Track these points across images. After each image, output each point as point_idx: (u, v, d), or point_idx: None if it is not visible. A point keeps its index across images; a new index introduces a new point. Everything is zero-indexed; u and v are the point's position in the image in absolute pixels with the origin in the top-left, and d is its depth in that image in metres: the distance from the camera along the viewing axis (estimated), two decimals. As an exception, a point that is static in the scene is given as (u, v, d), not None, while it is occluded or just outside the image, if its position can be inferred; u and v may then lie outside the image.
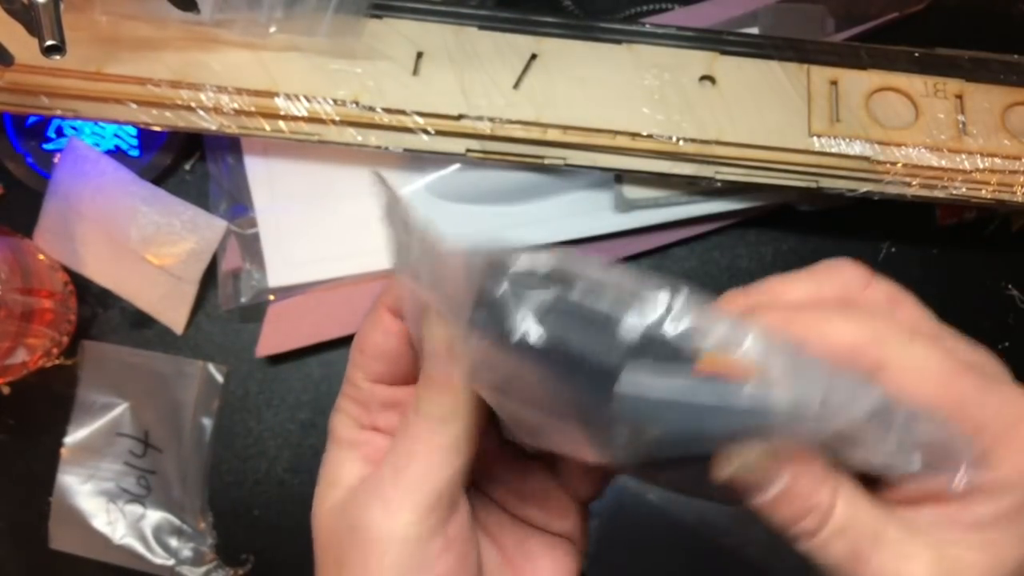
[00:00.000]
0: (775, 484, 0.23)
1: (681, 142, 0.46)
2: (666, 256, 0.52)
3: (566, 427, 0.22)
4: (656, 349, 0.20)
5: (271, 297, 0.50)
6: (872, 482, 0.24)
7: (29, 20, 0.39)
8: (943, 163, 0.44)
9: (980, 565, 0.23)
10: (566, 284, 0.20)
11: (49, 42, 0.38)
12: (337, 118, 0.46)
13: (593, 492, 0.31)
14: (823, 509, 0.23)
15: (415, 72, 0.47)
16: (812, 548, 0.24)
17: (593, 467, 0.28)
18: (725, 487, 0.23)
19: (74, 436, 0.52)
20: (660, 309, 0.20)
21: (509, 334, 0.20)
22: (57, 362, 0.52)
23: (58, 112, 0.47)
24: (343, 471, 0.28)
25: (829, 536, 0.23)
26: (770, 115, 0.46)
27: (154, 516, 0.51)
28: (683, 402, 0.20)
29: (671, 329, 0.20)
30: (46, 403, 0.52)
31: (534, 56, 0.47)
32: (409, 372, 0.29)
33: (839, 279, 0.25)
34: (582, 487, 0.30)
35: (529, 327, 0.20)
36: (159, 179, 0.52)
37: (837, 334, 0.23)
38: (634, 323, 0.20)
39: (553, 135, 0.46)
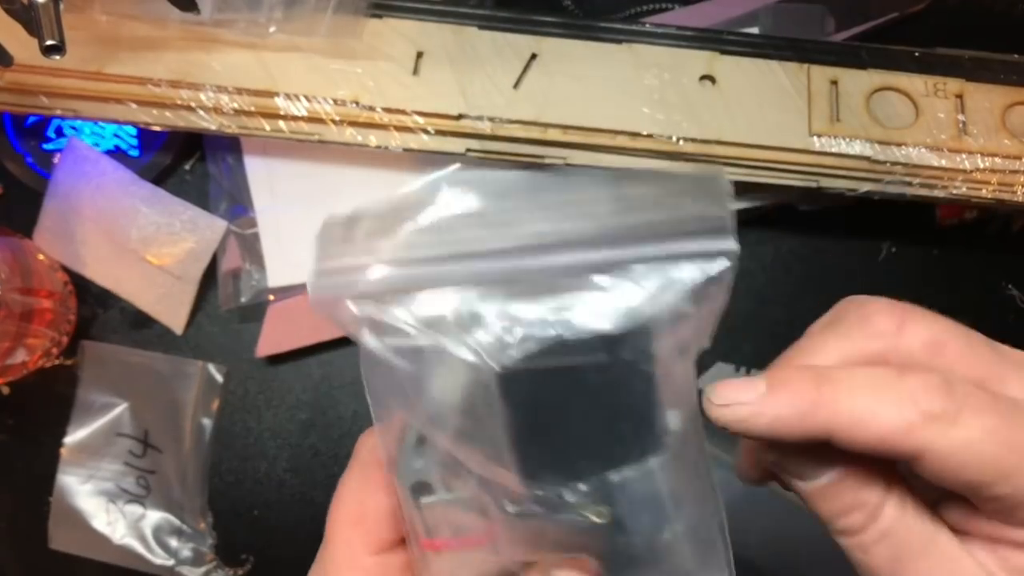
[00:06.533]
0: (824, 475, 0.23)
1: (681, 142, 0.46)
2: (666, 256, 0.52)
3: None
4: None
5: (271, 297, 0.50)
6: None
7: (29, 20, 0.39)
8: (943, 163, 0.44)
9: None
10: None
11: (49, 42, 0.38)
12: (337, 118, 0.46)
13: None
14: (870, 508, 0.23)
15: (415, 72, 0.47)
16: (853, 546, 0.23)
17: None
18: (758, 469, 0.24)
19: (74, 436, 0.52)
20: None
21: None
22: (57, 362, 0.52)
23: (58, 112, 0.47)
24: None
25: (873, 538, 0.23)
26: (770, 115, 0.46)
27: (154, 516, 0.51)
28: None
29: None
30: (46, 403, 0.52)
31: (534, 56, 0.47)
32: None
33: (870, 329, 0.23)
34: None
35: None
36: (159, 179, 0.52)
37: (871, 425, 0.21)
38: None
39: (553, 135, 0.46)
